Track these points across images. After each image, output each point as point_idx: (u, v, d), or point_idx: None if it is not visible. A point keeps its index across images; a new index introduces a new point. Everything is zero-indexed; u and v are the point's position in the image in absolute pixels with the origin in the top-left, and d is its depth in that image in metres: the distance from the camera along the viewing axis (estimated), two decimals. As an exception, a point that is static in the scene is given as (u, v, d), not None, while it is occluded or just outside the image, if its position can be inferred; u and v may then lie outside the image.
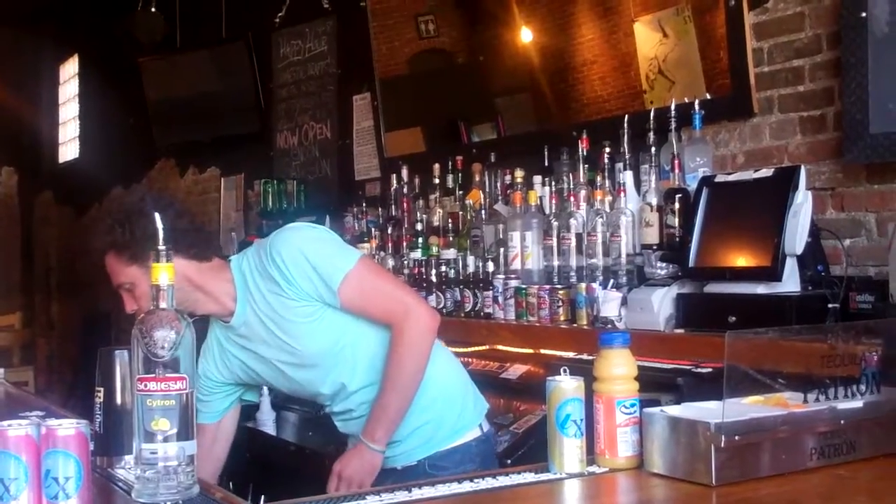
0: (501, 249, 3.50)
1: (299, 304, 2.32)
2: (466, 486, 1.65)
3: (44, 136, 9.97)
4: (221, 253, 2.48)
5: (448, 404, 2.46)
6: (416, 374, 2.34)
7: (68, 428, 1.49)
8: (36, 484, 1.48)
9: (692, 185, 2.96)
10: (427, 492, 1.64)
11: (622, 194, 3.12)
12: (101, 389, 1.91)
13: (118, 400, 1.90)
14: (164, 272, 1.62)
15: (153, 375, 1.57)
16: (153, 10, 6.77)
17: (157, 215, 1.71)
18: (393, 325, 2.33)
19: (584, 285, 3.08)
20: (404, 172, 4.32)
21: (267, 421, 3.81)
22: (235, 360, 2.47)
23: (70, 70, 9.41)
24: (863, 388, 1.71)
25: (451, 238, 3.88)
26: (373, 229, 4.33)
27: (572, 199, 3.30)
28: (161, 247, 1.63)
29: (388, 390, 2.33)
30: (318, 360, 2.38)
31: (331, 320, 2.34)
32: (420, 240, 3.96)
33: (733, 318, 2.61)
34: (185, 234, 2.29)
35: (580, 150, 3.38)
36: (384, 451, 2.36)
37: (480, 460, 2.44)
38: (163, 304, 1.61)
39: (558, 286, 3.22)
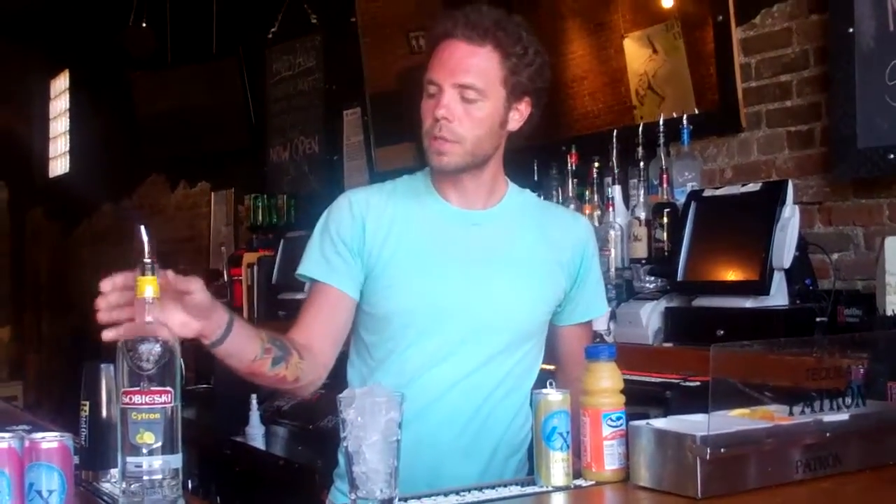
0: (491, 264, 3.49)
1: (552, 283, 2.03)
2: (452, 500, 1.64)
3: (34, 150, 9.96)
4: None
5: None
6: None
7: (51, 441, 1.49)
8: (19, 497, 1.48)
9: (680, 200, 2.97)
10: (412, 505, 1.63)
11: (611, 209, 3.13)
12: (87, 403, 1.90)
13: (103, 413, 1.88)
14: (150, 286, 1.61)
15: (138, 389, 1.56)
16: (144, 25, 6.76)
17: (142, 229, 1.69)
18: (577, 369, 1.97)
19: (573, 299, 3.07)
20: (395, 187, 4.30)
21: (256, 435, 3.80)
22: (400, 240, 2.03)
23: (61, 85, 9.41)
24: (848, 400, 1.71)
25: (441, 252, 3.86)
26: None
27: (561, 213, 3.30)
28: (147, 259, 1.62)
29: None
30: (491, 323, 1.97)
31: (537, 325, 2.07)
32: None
33: (721, 332, 2.62)
34: (542, 93, 2.07)
35: (569, 164, 3.39)
36: None
37: None
38: (148, 318, 1.61)
39: (547, 300, 3.21)
